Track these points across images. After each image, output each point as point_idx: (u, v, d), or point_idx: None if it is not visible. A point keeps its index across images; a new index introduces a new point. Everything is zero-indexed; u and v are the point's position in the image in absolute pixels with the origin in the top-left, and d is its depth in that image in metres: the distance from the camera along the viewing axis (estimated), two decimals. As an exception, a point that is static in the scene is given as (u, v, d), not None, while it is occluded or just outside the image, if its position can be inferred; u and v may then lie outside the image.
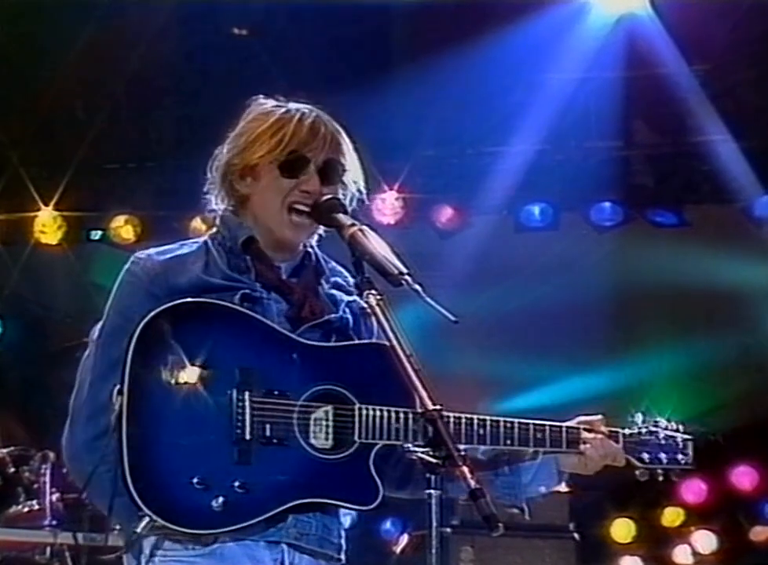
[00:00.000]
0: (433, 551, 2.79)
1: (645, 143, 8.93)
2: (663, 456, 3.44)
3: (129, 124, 8.93)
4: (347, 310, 3.30)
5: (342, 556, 3.25)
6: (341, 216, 3.14)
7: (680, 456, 3.48)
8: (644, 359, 9.15)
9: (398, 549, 8.20)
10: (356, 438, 3.09)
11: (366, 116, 8.28)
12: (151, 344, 3.01)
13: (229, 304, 3.11)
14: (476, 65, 8.01)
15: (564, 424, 3.33)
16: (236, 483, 2.99)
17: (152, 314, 3.02)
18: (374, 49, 8.39)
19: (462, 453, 2.76)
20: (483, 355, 9.10)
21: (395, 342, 2.89)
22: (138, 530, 3.00)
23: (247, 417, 3.02)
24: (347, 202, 3.25)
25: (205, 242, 3.29)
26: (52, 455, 6.79)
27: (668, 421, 3.49)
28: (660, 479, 3.46)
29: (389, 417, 3.10)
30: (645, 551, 9.94)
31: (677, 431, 3.49)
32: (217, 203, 3.33)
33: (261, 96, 3.35)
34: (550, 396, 9.09)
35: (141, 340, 3.00)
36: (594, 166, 8.83)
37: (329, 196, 3.19)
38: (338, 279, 3.35)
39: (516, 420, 3.27)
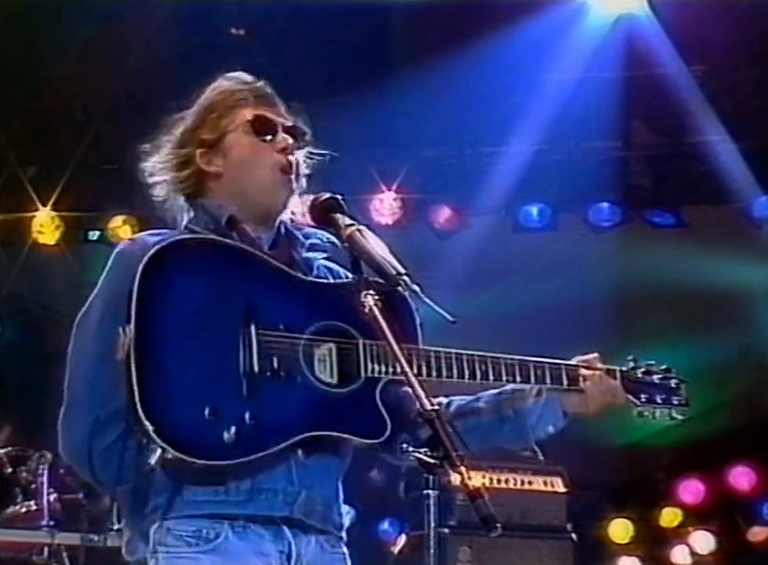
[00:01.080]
0: (431, 551, 2.79)
1: (643, 143, 8.93)
2: (658, 397, 3.48)
3: (127, 124, 8.92)
4: (321, 268, 3.33)
5: (343, 534, 3.27)
6: (338, 216, 3.14)
7: (674, 398, 3.51)
8: (643, 359, 9.13)
9: (396, 550, 8.19)
10: (361, 373, 3.12)
11: (364, 116, 8.33)
12: (157, 278, 3.01)
13: (232, 242, 3.14)
14: (474, 65, 8.01)
15: (562, 362, 3.38)
16: (247, 415, 2.99)
17: (156, 247, 3.03)
18: (372, 49, 8.39)
19: (461, 453, 2.76)
20: (481, 355, 9.08)
21: (392, 342, 2.89)
22: (152, 462, 2.97)
23: (254, 349, 3.03)
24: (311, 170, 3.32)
25: (187, 229, 3.29)
26: (49, 455, 6.79)
27: (659, 366, 3.53)
28: (652, 417, 3.47)
29: (393, 352, 3.09)
30: (643, 551, 9.96)
31: (669, 373, 3.53)
32: (167, 191, 3.35)
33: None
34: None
35: (146, 274, 3.00)
36: (593, 167, 8.83)
37: (327, 196, 3.20)
38: (313, 240, 3.36)
39: (516, 357, 3.32)
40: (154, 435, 2.91)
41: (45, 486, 6.86)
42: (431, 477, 2.79)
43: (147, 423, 2.91)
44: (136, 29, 8.50)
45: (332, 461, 3.21)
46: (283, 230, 3.35)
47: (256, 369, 3.02)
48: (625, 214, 9.01)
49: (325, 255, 3.34)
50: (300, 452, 3.11)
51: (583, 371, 3.37)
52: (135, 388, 2.93)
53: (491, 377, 3.27)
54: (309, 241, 3.35)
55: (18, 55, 8.50)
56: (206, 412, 2.95)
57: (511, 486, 7.76)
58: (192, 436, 2.96)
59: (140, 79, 8.69)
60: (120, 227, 9.22)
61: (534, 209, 9.07)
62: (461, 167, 9.05)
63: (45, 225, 9.28)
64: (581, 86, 8.35)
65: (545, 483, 7.89)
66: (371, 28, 8.35)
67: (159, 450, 2.95)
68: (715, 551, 9.92)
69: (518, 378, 3.29)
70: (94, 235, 9.46)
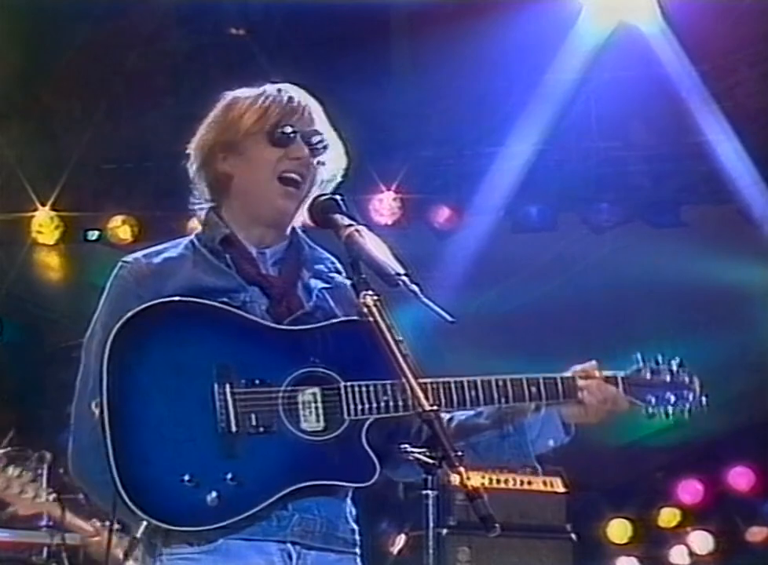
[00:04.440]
0: (430, 551, 2.79)
1: (643, 143, 8.93)
2: (670, 394, 3.38)
3: (126, 124, 8.92)
4: (320, 296, 3.30)
5: (357, 550, 3.24)
6: (337, 216, 3.13)
7: (687, 393, 3.40)
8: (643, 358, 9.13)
9: (395, 550, 8.19)
10: (345, 416, 3.09)
11: (364, 116, 8.32)
12: (128, 347, 3.02)
13: (202, 301, 3.10)
14: (474, 65, 8.01)
15: (557, 375, 3.31)
16: (228, 476, 2.99)
17: (125, 318, 3.03)
18: (372, 49, 8.38)
19: (459, 453, 2.76)
20: (481, 355, 9.08)
21: (392, 343, 2.88)
22: (138, 535, 3.01)
23: (230, 409, 3.02)
24: (332, 177, 3.30)
25: (192, 243, 3.29)
26: (49, 456, 6.78)
27: (669, 360, 3.43)
28: (665, 417, 3.38)
29: (376, 391, 3.10)
30: (642, 551, 9.97)
31: (681, 367, 3.43)
32: (199, 197, 3.34)
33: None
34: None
35: (115, 344, 3.01)
36: (592, 167, 8.83)
37: (326, 196, 3.19)
38: (321, 267, 3.35)
39: (508, 376, 3.25)
40: (136, 510, 2.93)
41: (45, 486, 6.86)
42: (430, 477, 2.79)
43: (128, 501, 2.93)
44: (136, 29, 8.50)
45: (330, 488, 3.17)
46: (295, 246, 3.33)
47: (233, 428, 3.02)
48: (625, 214, 9.01)
49: (326, 285, 3.32)
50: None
51: (581, 382, 3.31)
52: (111, 461, 2.94)
53: (483, 402, 3.22)
54: (315, 266, 3.34)
55: (18, 55, 8.50)
56: (186, 478, 2.96)
57: (510, 486, 7.76)
58: (174, 505, 2.97)
59: (139, 79, 8.68)
60: (119, 227, 9.22)
61: (533, 210, 9.06)
62: (460, 167, 9.04)
63: (44, 225, 9.27)
64: (581, 86, 8.35)
65: (544, 483, 7.89)
66: (371, 28, 8.35)
67: (144, 522, 2.98)
68: (714, 551, 9.92)
69: (511, 399, 3.23)
70: (93, 234, 9.46)
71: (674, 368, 3.42)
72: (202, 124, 3.34)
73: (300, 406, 3.08)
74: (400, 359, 2.86)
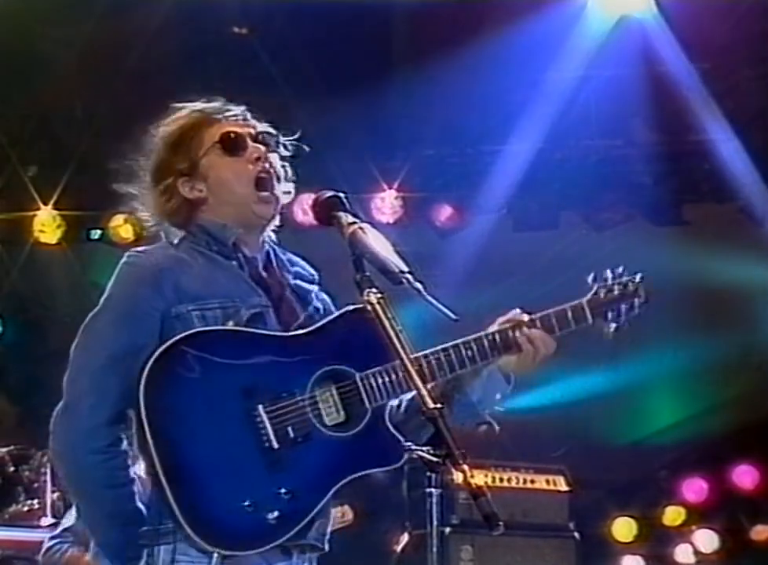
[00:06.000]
0: (434, 550, 2.79)
1: (644, 141, 8.92)
2: (622, 307, 3.55)
3: (128, 123, 8.92)
4: (315, 298, 3.37)
5: (326, 545, 3.30)
6: (341, 214, 3.13)
7: (635, 300, 3.58)
8: (644, 358, 9.14)
9: (398, 548, 8.18)
10: (366, 406, 3.16)
11: (366, 115, 8.32)
12: (157, 386, 3.06)
13: (215, 328, 3.15)
14: (475, 64, 8.00)
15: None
16: (282, 491, 3.07)
17: (151, 361, 3.06)
18: (374, 48, 8.39)
19: (463, 451, 2.76)
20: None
21: (395, 341, 2.88)
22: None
23: (268, 426, 3.09)
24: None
25: (192, 244, 3.31)
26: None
27: (616, 272, 3.60)
28: (624, 326, 3.56)
29: (389, 374, 3.16)
30: (647, 550, 9.96)
31: (626, 277, 3.59)
32: (155, 218, 3.37)
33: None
34: (550, 396, 9.08)
35: (148, 384, 3.05)
36: (594, 165, 8.83)
37: (329, 194, 3.19)
38: (298, 269, 3.41)
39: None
40: (207, 547, 3.00)
41: (48, 484, 6.87)
42: (433, 475, 2.79)
43: (198, 538, 2.99)
44: (137, 28, 8.50)
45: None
46: (270, 250, 3.38)
47: (275, 445, 3.09)
48: (626, 212, 9.01)
49: (318, 288, 3.39)
50: None
51: (517, 332, 3.36)
52: (172, 504, 3.00)
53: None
54: (294, 268, 3.40)
55: (18, 55, 8.50)
56: (246, 504, 3.03)
57: (513, 484, 7.76)
58: (241, 532, 3.05)
59: (141, 78, 8.68)
60: (121, 226, 9.21)
61: (535, 208, 9.06)
62: (462, 166, 9.04)
63: (46, 224, 9.27)
64: (582, 84, 8.34)
65: (547, 482, 7.89)
66: (372, 28, 8.35)
67: (215, 556, 3.02)
68: (719, 549, 9.91)
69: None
70: (96, 233, 9.46)
71: (623, 280, 3.58)
72: (150, 144, 3.40)
73: (324, 407, 3.15)
74: (403, 356, 2.86)
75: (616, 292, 3.53)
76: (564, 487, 7.93)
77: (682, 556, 9.95)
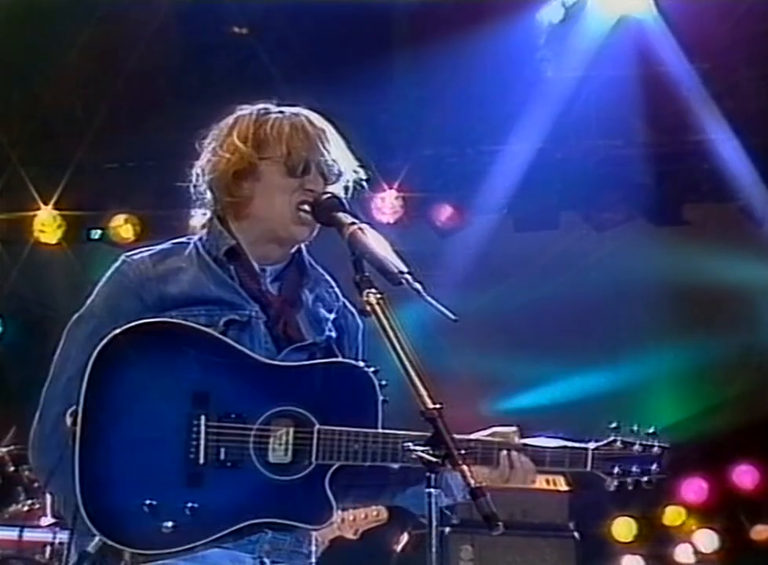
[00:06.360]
0: (433, 550, 2.78)
1: (645, 141, 8.92)
2: (634, 468, 3.31)
3: (128, 123, 8.92)
4: (332, 328, 3.30)
5: (313, 558, 3.26)
6: (340, 214, 3.13)
7: (653, 466, 3.34)
8: (644, 358, 9.14)
9: (398, 548, 8.18)
10: (313, 459, 3.08)
11: (366, 115, 8.32)
12: (110, 364, 3.02)
13: (193, 325, 3.10)
14: (475, 64, 8.01)
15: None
16: (188, 506, 3.01)
17: (112, 334, 3.02)
18: (374, 48, 8.38)
19: (462, 451, 2.76)
20: (483, 354, 9.09)
21: (395, 341, 2.87)
22: (89, 549, 3.03)
23: (202, 441, 3.04)
24: (348, 196, 3.26)
25: (195, 248, 3.28)
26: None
27: (642, 431, 3.35)
28: (630, 488, 3.33)
29: (348, 439, 3.09)
30: (647, 550, 9.94)
31: (653, 436, 3.36)
32: (203, 211, 3.32)
33: (244, 105, 3.35)
34: (549, 396, 9.08)
35: (98, 360, 3.01)
36: (594, 165, 8.83)
37: (329, 194, 3.19)
38: (322, 291, 3.35)
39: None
40: (91, 526, 2.96)
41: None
42: (433, 475, 2.79)
43: (85, 515, 2.95)
44: (137, 28, 8.50)
45: (282, 526, 3.16)
46: (296, 264, 3.32)
47: (201, 460, 3.03)
48: (626, 212, 9.01)
49: (333, 316, 3.32)
50: None
51: (503, 451, 3.21)
52: (76, 475, 2.96)
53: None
54: (317, 289, 3.33)
55: (18, 55, 8.50)
56: (147, 503, 2.98)
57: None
58: (130, 528, 3.00)
59: (141, 78, 8.68)
60: (122, 226, 9.23)
61: (535, 208, 9.05)
62: (462, 166, 9.04)
63: (46, 224, 9.28)
64: (582, 84, 8.34)
65: (547, 482, 7.88)
66: (372, 28, 8.34)
67: (97, 538, 2.99)
68: (719, 549, 9.90)
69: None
70: (96, 233, 9.47)
71: (647, 440, 3.35)
72: (213, 140, 3.30)
73: (270, 443, 3.08)
74: (403, 357, 2.86)
75: (635, 449, 3.33)
76: (564, 487, 7.92)
77: (681, 556, 9.94)
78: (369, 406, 3.10)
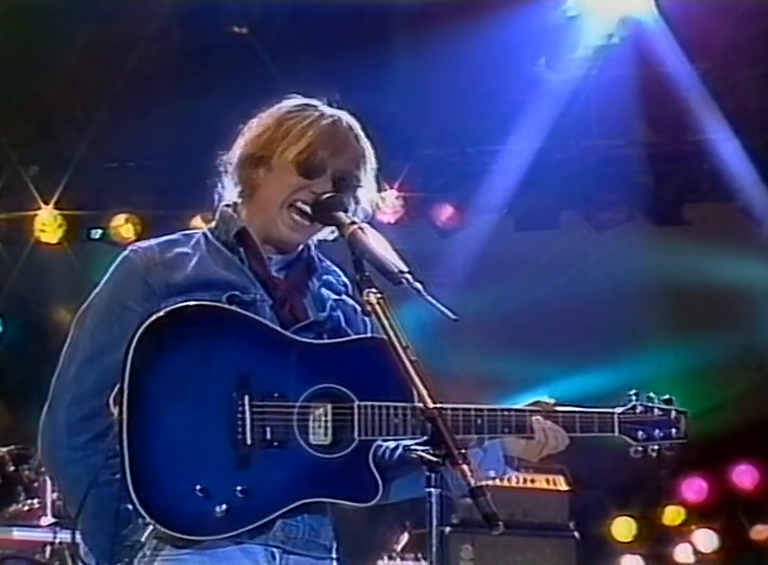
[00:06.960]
0: (434, 549, 2.78)
1: (645, 141, 8.93)
2: (656, 432, 3.39)
3: (128, 123, 8.92)
4: (335, 307, 3.29)
5: (334, 553, 3.24)
6: (341, 214, 3.12)
7: (673, 430, 3.42)
8: (644, 358, 9.15)
9: (398, 547, 8.19)
10: (355, 435, 3.08)
11: (366, 115, 8.31)
12: (150, 350, 3.00)
13: (227, 306, 3.09)
14: (476, 64, 8.01)
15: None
16: (238, 488, 2.99)
17: (150, 320, 3.01)
18: (374, 48, 8.38)
19: (462, 451, 2.76)
20: (483, 353, 9.10)
21: (395, 341, 2.87)
22: (143, 539, 3.02)
23: (248, 421, 3.02)
24: (356, 215, 3.22)
25: (205, 236, 3.28)
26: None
27: (660, 397, 3.43)
28: (654, 454, 3.43)
29: (388, 413, 3.09)
30: (646, 549, 9.97)
31: (669, 404, 3.43)
32: (228, 189, 3.31)
33: (297, 95, 3.34)
34: (550, 396, 9.07)
35: (139, 346, 2.99)
36: (595, 165, 8.83)
37: (330, 194, 3.19)
38: (330, 277, 3.35)
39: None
40: (144, 513, 2.94)
41: (48, 484, 6.87)
42: (433, 475, 2.79)
43: (137, 503, 2.93)
44: (137, 28, 8.50)
45: (330, 504, 3.18)
46: (304, 257, 3.31)
47: (248, 441, 3.01)
48: (627, 212, 9.01)
49: (337, 297, 3.31)
50: None
51: (538, 421, 3.24)
52: (126, 463, 2.94)
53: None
54: (324, 276, 3.33)
55: (20, 54, 8.50)
56: (198, 488, 2.97)
57: (513, 484, 7.75)
58: (183, 513, 2.97)
59: (141, 78, 8.69)
60: (122, 226, 9.23)
61: (535, 208, 9.06)
62: (463, 165, 9.05)
63: (47, 224, 9.28)
64: (582, 84, 8.35)
65: (547, 481, 7.90)
66: (372, 28, 8.35)
67: (150, 526, 2.98)
68: (718, 549, 9.92)
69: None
70: (96, 233, 9.47)
71: (664, 405, 3.41)
72: (252, 127, 3.28)
73: (311, 422, 3.08)
74: (403, 356, 2.86)
75: (655, 414, 3.39)
76: (564, 487, 7.93)
77: (681, 556, 9.96)
78: (403, 380, 3.10)
